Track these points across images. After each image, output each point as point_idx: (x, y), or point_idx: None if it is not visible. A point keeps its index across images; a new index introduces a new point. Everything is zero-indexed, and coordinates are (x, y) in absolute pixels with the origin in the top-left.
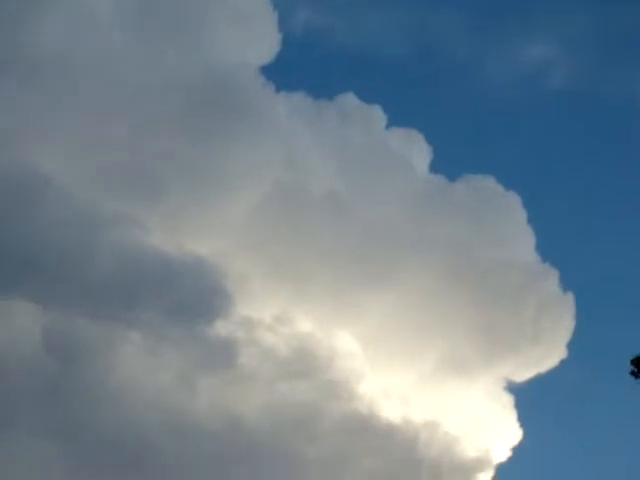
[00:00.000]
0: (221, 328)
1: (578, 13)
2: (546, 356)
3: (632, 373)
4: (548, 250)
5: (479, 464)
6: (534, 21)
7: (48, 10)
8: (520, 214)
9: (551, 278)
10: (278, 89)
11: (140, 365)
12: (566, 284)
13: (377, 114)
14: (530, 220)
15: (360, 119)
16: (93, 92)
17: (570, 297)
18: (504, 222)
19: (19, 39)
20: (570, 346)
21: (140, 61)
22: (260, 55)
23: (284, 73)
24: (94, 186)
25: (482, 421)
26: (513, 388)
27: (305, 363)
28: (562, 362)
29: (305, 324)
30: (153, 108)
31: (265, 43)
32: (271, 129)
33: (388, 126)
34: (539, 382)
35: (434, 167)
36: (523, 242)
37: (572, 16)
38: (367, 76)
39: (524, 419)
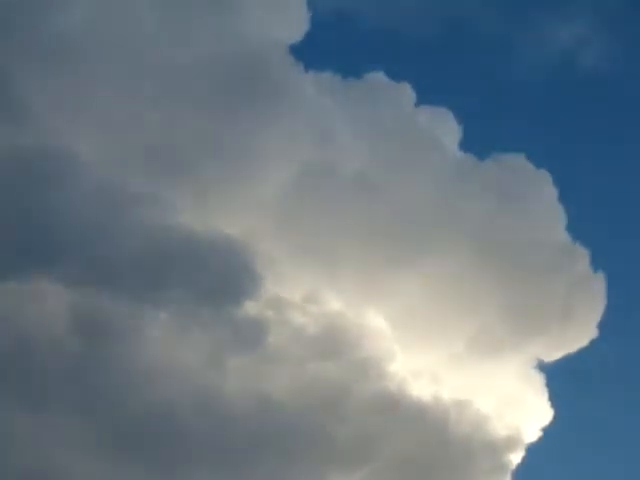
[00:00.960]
0: (250, 308)
1: None
2: (576, 336)
3: None
4: (579, 229)
5: (510, 443)
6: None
7: None
8: (551, 192)
9: (582, 258)
10: (307, 68)
11: (168, 345)
12: (597, 264)
13: (406, 92)
14: (561, 199)
15: (389, 97)
16: (122, 70)
17: (601, 277)
18: (534, 201)
19: (49, 17)
20: (601, 326)
21: (169, 39)
22: (289, 34)
23: (313, 52)
24: (122, 165)
25: (513, 400)
26: (544, 367)
27: (335, 342)
28: (592, 342)
29: (335, 303)
30: (182, 86)
31: (294, 22)
32: (300, 108)
33: (417, 104)
34: (569, 362)
35: (464, 145)
36: (554, 221)
37: None
38: (396, 55)
39: (554, 399)
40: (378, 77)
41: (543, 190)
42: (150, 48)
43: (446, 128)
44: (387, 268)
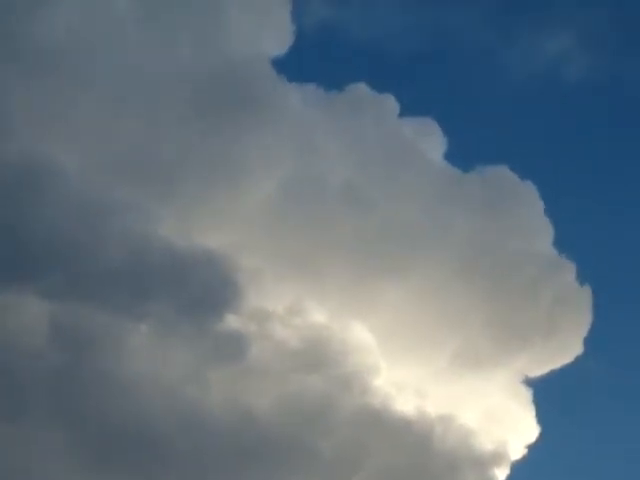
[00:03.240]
0: (232, 321)
1: (596, 5)
2: (562, 351)
3: None
4: (565, 242)
5: (495, 458)
6: (551, 13)
7: None
8: (537, 205)
9: (568, 271)
10: (290, 81)
11: (149, 358)
12: (583, 278)
13: (390, 103)
14: (547, 211)
15: (373, 109)
16: (105, 81)
17: (587, 291)
18: (520, 213)
19: (30, 27)
20: (587, 341)
21: (152, 51)
22: (273, 47)
23: (296, 65)
24: (104, 177)
25: (498, 415)
26: (530, 382)
27: (319, 356)
28: (578, 358)
29: (319, 316)
30: (165, 98)
31: (278, 35)
32: (283, 120)
33: (401, 115)
34: (555, 378)
35: (449, 156)
36: (540, 234)
37: (589, 8)
38: (380, 68)
39: (540, 415)
40: (360, 88)
41: (529, 203)
42: (133, 60)
43: (431, 139)
44: (371, 281)
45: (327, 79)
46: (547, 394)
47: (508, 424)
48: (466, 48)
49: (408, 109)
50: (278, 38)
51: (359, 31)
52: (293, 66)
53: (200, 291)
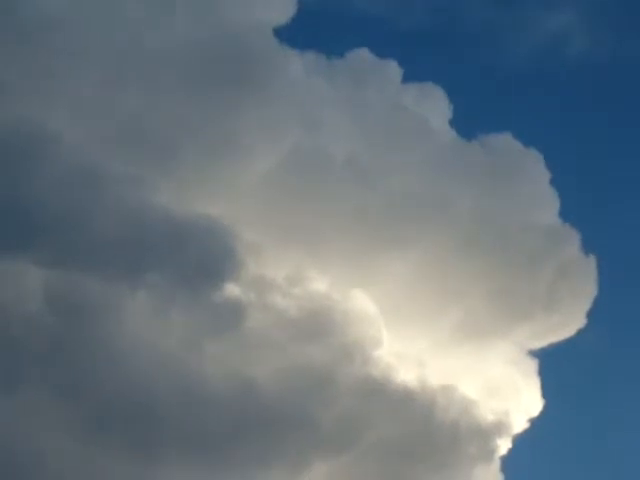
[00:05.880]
0: (232, 290)
1: None
2: (565, 323)
3: None
4: (571, 211)
5: (498, 428)
6: None
7: None
8: (542, 174)
9: (572, 240)
10: (292, 49)
11: (147, 327)
12: (588, 247)
13: (393, 69)
14: (553, 181)
15: (375, 74)
16: (103, 51)
17: (592, 260)
18: (526, 183)
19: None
20: (590, 313)
21: (152, 21)
22: (275, 17)
23: (299, 35)
24: (102, 145)
25: (501, 386)
26: (536, 354)
27: (319, 325)
28: (580, 331)
29: (319, 285)
30: (165, 68)
31: (281, 5)
32: (285, 89)
33: (404, 81)
34: (558, 350)
35: (454, 123)
36: (546, 204)
37: None
38: (383, 39)
39: (545, 388)
40: (363, 54)
41: (534, 172)
42: (133, 30)
43: (435, 105)
44: (374, 251)
45: (329, 46)
46: (552, 366)
47: (511, 396)
48: (470, 22)
49: (411, 75)
50: (281, 7)
51: (362, 3)
52: (295, 35)
53: (200, 260)
